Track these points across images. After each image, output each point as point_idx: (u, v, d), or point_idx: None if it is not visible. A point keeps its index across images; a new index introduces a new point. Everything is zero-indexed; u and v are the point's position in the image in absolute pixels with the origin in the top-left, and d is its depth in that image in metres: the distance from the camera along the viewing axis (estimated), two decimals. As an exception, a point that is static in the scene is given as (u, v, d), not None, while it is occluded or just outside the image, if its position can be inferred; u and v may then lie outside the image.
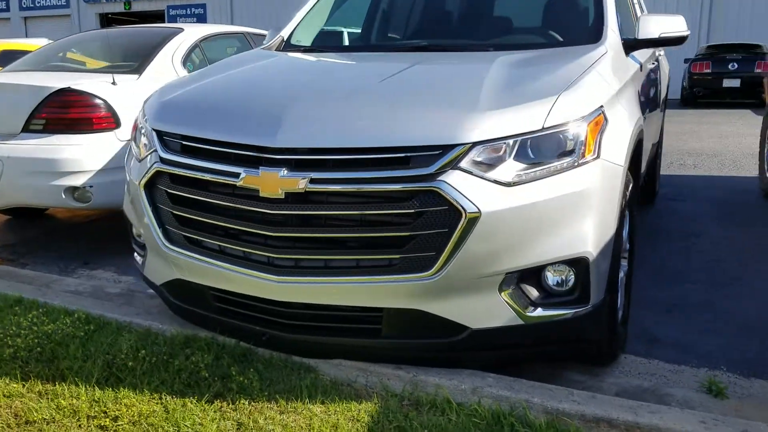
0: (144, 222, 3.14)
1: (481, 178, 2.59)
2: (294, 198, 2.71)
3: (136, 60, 5.47)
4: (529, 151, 2.66)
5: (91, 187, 4.73)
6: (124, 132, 4.86)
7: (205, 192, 2.91)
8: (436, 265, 2.61)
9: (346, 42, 4.42)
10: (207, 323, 3.21)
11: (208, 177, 2.87)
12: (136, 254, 3.51)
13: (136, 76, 5.20)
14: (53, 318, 3.49)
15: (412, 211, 2.59)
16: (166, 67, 5.44)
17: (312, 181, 2.66)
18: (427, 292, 2.65)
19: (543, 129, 2.66)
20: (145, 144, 3.22)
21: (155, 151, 3.06)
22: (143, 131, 3.27)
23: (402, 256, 2.65)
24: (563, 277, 2.74)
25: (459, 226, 2.56)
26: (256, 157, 2.76)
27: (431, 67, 3.34)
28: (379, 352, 2.90)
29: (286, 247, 2.78)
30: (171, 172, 2.98)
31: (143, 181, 3.06)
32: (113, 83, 4.93)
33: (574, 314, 2.75)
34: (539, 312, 2.72)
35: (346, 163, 2.67)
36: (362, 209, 2.65)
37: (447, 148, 2.60)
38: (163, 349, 3.13)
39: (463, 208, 2.55)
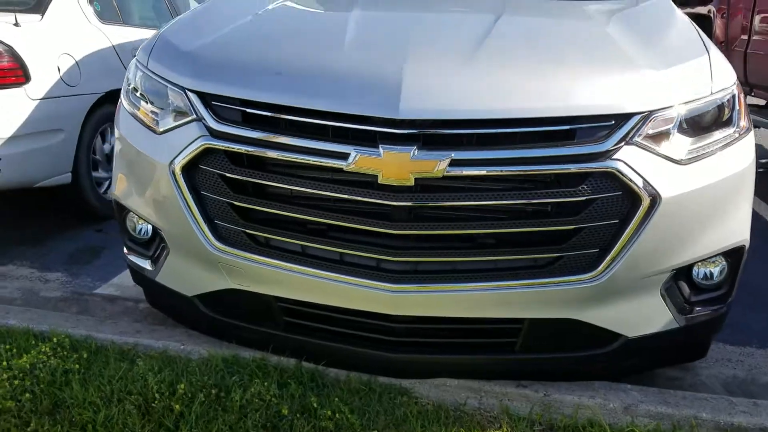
0: (173, 215, 2.34)
1: (656, 155, 2.13)
2: (425, 185, 2.09)
3: (29, -3, 4.32)
4: (694, 122, 2.23)
5: (-2, 160, 3.66)
6: (35, 88, 3.80)
7: (286, 177, 2.18)
8: (602, 265, 2.13)
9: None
10: (257, 342, 2.50)
11: (294, 158, 2.15)
12: (132, 256, 2.67)
13: (38, 16, 4.09)
14: (20, 345, 2.58)
15: (582, 198, 2.08)
16: (71, 6, 4.35)
17: (452, 162, 2.05)
18: (586, 297, 2.17)
19: (711, 94, 2.25)
20: (154, 111, 2.40)
21: (198, 120, 2.26)
22: (151, 92, 2.44)
23: (560, 256, 2.14)
24: (710, 270, 2.37)
25: (636, 215, 2.09)
26: (371, 133, 2.09)
27: (524, 19, 2.77)
28: (501, 368, 2.38)
29: (406, 248, 2.15)
30: (230, 149, 2.21)
31: (181, 162, 2.25)
32: (16, 24, 3.83)
33: (718, 311, 2.40)
34: (695, 312, 2.34)
35: (495, 139, 2.09)
36: (514, 198, 2.09)
37: (621, 119, 2.10)
38: (206, 379, 2.39)
39: (643, 192, 2.08)
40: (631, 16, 2.80)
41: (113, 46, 4.53)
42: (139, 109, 2.48)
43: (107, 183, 4.51)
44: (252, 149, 2.18)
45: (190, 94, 2.28)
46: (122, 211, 2.62)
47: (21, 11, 4.02)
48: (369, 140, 2.09)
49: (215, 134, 2.22)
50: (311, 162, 2.14)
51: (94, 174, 4.35)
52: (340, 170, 2.11)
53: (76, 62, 4.12)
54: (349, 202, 2.16)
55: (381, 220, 2.13)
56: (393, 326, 2.28)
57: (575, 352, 2.30)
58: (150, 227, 2.58)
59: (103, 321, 2.87)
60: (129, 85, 2.58)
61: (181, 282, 2.49)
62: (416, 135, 2.06)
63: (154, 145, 2.38)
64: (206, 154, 2.24)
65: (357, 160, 2.06)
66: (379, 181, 2.07)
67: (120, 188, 2.59)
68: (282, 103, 2.16)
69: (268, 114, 2.18)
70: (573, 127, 2.08)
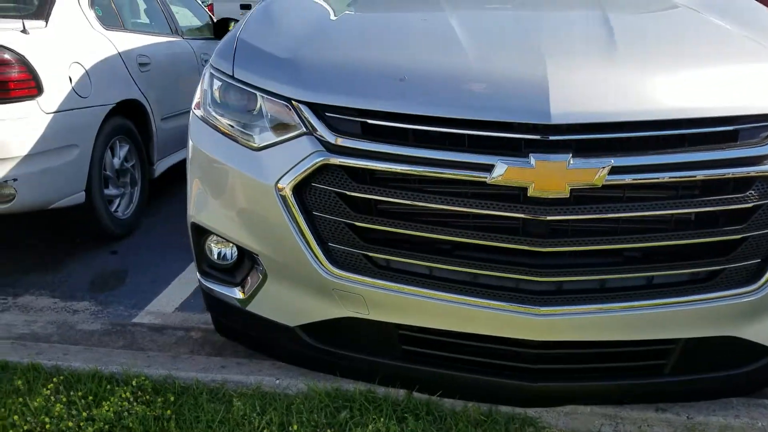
0: (278, 239, 2.10)
1: None
2: (579, 196, 1.90)
3: (28, 2, 3.96)
4: None
5: (14, 180, 3.31)
6: (49, 100, 3.47)
7: (415, 193, 1.97)
8: (765, 277, 1.99)
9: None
10: (364, 373, 2.27)
11: (424, 172, 1.93)
12: (212, 283, 2.40)
13: (42, 22, 3.74)
14: (93, 391, 2.29)
15: (749, 205, 1.93)
16: (74, 11, 4.01)
17: (611, 170, 1.87)
18: (746, 312, 2.02)
19: None
20: (244, 125, 2.16)
21: (309, 134, 2.02)
22: (239, 103, 2.19)
23: (722, 268, 1.98)
24: None
25: None
26: (516, 141, 1.89)
27: (633, 15, 2.59)
28: (643, 392, 2.21)
29: (551, 266, 1.97)
30: (350, 165, 1.98)
31: (293, 181, 2.01)
32: (24, 31, 3.49)
33: None
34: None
35: (656, 142, 1.92)
36: (677, 207, 1.92)
37: None
38: (316, 417, 2.16)
39: None
40: (723, 7, 2.68)
41: (119, 53, 4.21)
42: (223, 122, 2.23)
43: (118, 201, 4.19)
44: (376, 164, 1.96)
45: (299, 105, 2.04)
46: (202, 234, 2.36)
47: (23, 17, 3.67)
48: (513, 149, 1.89)
49: (332, 149, 1.99)
50: (446, 176, 1.92)
51: (105, 191, 4.02)
52: (481, 183, 1.91)
53: (86, 71, 3.80)
54: (488, 218, 1.96)
55: (526, 237, 1.93)
56: (527, 352, 2.09)
57: (726, 371, 2.15)
58: (235, 251, 2.33)
59: (178, 356, 2.58)
60: (207, 95, 2.32)
61: (282, 311, 2.24)
62: (569, 141, 1.87)
63: (250, 162, 2.13)
64: (321, 171, 2.00)
65: (505, 171, 1.86)
66: (528, 194, 1.88)
67: (200, 209, 2.33)
68: (411, 113, 1.94)
69: (394, 125, 1.96)
70: (737, 128, 1.93)
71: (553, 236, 1.93)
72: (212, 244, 2.37)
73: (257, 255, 2.21)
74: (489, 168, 1.88)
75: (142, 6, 5.11)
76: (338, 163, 1.98)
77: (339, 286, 2.07)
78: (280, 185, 2.04)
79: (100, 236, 4.08)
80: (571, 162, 1.85)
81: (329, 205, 2.02)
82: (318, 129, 2.01)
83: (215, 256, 2.38)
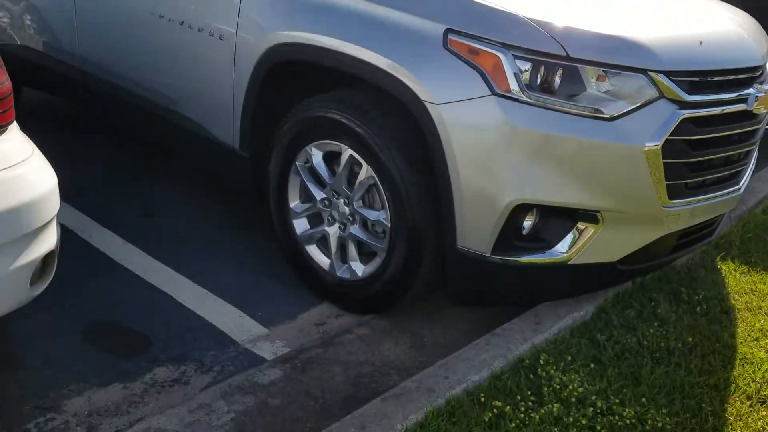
0: (629, 190, 2.50)
1: None
2: None
3: None
4: None
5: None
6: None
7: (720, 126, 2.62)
8: None
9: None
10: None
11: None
12: (522, 256, 2.56)
13: None
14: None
15: None
16: None
17: None
18: None
19: None
20: (570, 103, 2.39)
21: (661, 96, 2.44)
22: (576, 82, 2.42)
23: None
24: None
25: None
26: None
27: None
28: None
29: None
30: (694, 116, 2.50)
31: (663, 139, 2.43)
32: None
33: None
34: None
35: None
36: None
37: None
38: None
39: None
40: None
41: None
42: (554, 100, 2.36)
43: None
44: (702, 111, 2.54)
45: (655, 75, 2.42)
46: (520, 213, 2.47)
47: None
48: None
49: (683, 105, 2.47)
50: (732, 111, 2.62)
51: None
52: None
53: None
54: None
55: None
56: None
57: None
58: (537, 220, 2.54)
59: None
60: (516, 78, 2.34)
61: (604, 253, 2.63)
62: None
63: (605, 131, 2.40)
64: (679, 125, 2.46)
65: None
66: None
67: (525, 188, 2.41)
68: (716, 68, 2.60)
69: (709, 79, 2.57)
70: None
71: None
72: (526, 218, 2.48)
73: (597, 211, 2.48)
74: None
75: None
76: (688, 115, 2.46)
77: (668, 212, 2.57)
78: (648, 145, 2.39)
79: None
80: None
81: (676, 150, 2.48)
82: (674, 91, 2.43)
83: (525, 230, 2.50)
